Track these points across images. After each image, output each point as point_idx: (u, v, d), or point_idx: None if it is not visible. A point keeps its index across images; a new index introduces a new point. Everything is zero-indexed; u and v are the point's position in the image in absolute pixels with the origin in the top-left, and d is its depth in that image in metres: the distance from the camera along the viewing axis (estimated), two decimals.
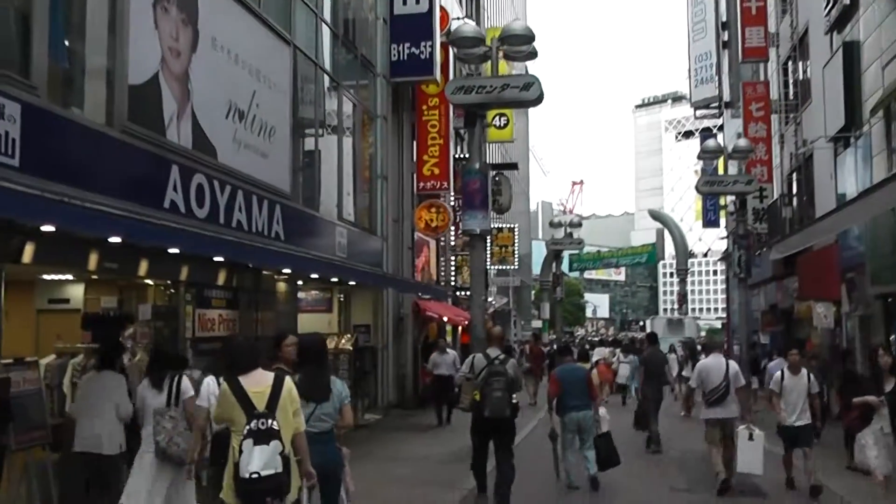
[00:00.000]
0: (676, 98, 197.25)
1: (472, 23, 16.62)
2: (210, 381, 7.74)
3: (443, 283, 27.68)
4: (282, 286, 15.90)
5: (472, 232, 14.44)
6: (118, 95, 9.57)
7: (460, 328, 29.71)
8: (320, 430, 6.64)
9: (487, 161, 16.85)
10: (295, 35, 15.28)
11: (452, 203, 26.17)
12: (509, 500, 10.03)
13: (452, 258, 28.77)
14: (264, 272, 14.57)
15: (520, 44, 13.91)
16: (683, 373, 23.84)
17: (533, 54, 14.38)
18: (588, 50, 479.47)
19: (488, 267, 32.66)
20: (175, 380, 8.21)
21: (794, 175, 25.52)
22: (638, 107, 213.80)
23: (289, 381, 5.97)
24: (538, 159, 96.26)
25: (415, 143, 23.88)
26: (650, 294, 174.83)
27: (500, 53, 14.15)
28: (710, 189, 21.44)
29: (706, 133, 45.75)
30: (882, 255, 16.85)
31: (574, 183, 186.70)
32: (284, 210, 14.14)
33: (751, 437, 11.20)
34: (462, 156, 28.01)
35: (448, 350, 19.76)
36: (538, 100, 14.19)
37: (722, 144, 21.65)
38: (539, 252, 63.34)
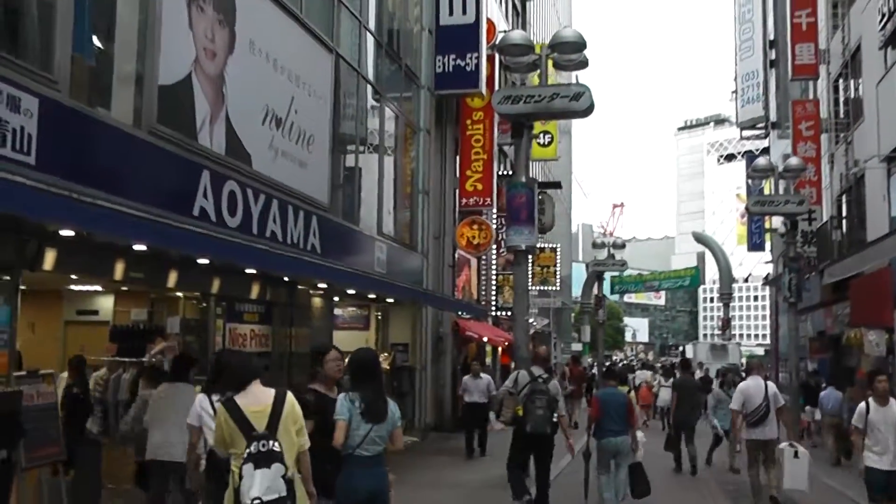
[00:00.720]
0: (719, 121, 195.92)
1: (520, 31, 16.07)
2: (202, 399, 7.28)
3: (483, 303, 27.13)
4: (317, 301, 15.45)
5: (517, 248, 13.99)
6: (147, 95, 9.14)
7: (500, 349, 29.09)
8: (373, 453, 6.24)
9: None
10: (338, 42, 14.85)
11: (495, 221, 25.61)
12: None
13: (494, 277, 28.18)
14: (299, 286, 14.13)
15: (570, 52, 13.41)
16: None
17: (583, 63, 13.82)
18: (630, 71, 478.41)
19: (530, 287, 32.04)
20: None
21: (845, 196, 24.71)
22: (680, 129, 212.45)
23: (291, 397, 5.58)
24: (579, 181, 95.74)
25: (458, 157, 23.35)
26: (690, 319, 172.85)
27: (550, 62, 13.73)
28: (760, 209, 20.68)
29: (751, 155, 44.92)
30: None
31: (615, 205, 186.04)
32: (322, 222, 13.66)
33: (796, 455, 11.28)
34: (506, 172, 27.56)
35: (482, 375, 17.40)
36: (588, 110, 13.66)
37: (773, 163, 20.85)
38: (579, 274, 62.70)
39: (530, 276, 32.91)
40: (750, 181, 29.69)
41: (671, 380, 23.41)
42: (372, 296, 17.72)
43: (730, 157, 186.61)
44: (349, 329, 18.85)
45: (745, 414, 11.90)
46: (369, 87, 17.32)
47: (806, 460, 11.34)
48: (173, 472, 8.11)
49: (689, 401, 16.45)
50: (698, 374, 32.44)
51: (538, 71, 13.98)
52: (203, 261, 10.24)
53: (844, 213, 24.76)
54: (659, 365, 40.10)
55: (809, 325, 27.17)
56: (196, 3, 9.93)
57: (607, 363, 36.79)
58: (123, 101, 9.06)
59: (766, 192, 30.85)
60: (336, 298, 16.52)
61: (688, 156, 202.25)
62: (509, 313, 28.13)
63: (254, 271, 11.90)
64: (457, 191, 23.24)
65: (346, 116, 16.01)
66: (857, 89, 23.57)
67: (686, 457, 15.83)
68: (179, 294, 11.33)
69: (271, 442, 5.23)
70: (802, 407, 19.93)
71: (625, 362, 58.49)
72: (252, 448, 5.17)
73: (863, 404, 9.63)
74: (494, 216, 25.71)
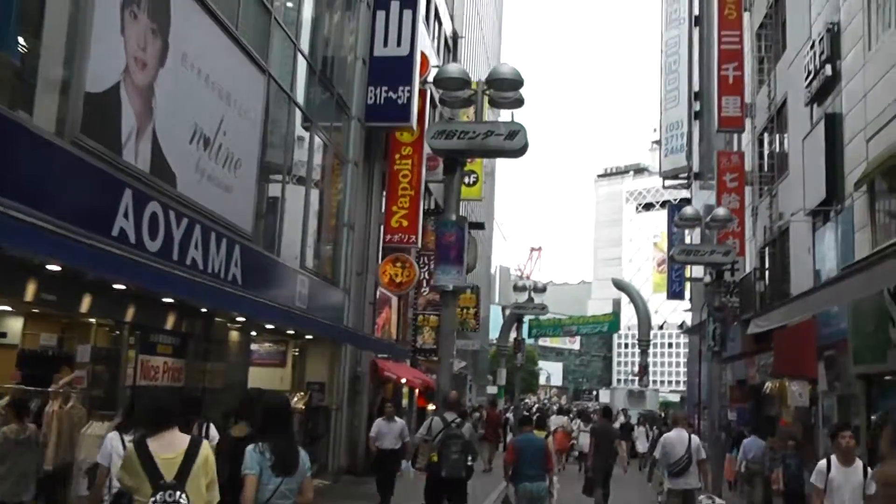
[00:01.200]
0: (638, 170, 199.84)
1: (458, 64, 15.84)
2: (113, 437, 6.70)
3: (402, 343, 26.63)
4: (234, 335, 14.80)
5: (445, 288, 13.60)
6: (72, 103, 8.48)
7: (417, 391, 28.56)
8: None
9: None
10: (271, 64, 14.35)
11: (418, 259, 25.22)
12: None
13: (414, 317, 27.72)
14: (217, 319, 13.49)
15: (507, 89, 13.17)
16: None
17: (519, 102, 13.59)
18: (552, 116, 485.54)
19: None
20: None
21: (768, 249, 25.01)
22: (600, 176, 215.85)
23: (206, 447, 5.28)
24: (498, 224, 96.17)
25: (384, 192, 22.95)
26: (604, 364, 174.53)
27: (485, 99, 13.51)
28: (685, 258, 20.67)
29: (671, 205, 45.49)
30: (865, 334, 16.21)
31: (533, 249, 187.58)
32: (244, 252, 13.04)
33: None
34: (431, 208, 27.27)
35: (396, 419, 15.66)
36: (523, 150, 13.41)
37: (699, 213, 20.95)
38: (496, 317, 62.55)
39: None
40: (675, 229, 29.91)
41: (590, 425, 23.81)
42: (291, 331, 17.12)
43: (648, 206, 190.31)
44: (265, 366, 18.18)
45: (668, 464, 12.20)
46: (299, 114, 16.82)
47: None
48: None
49: (608, 447, 16.81)
50: (621, 419, 32.78)
51: (471, 108, 13.78)
52: (119, 286, 9.61)
53: (767, 266, 25.04)
54: (575, 410, 40.18)
55: (730, 373, 27.39)
56: (130, 8, 9.32)
57: (523, 407, 36.68)
58: (47, 107, 8.39)
59: (687, 241, 31.22)
60: (254, 333, 15.88)
61: (607, 203, 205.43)
62: (428, 355, 27.71)
63: (171, 300, 11.27)
64: (382, 226, 22.79)
65: (275, 142, 15.49)
66: (781, 143, 23.93)
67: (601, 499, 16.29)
68: (92, 320, 10.65)
69: (178, 493, 4.92)
70: (734, 456, 19.91)
71: (538, 406, 58.55)
72: (158, 498, 4.87)
73: (823, 462, 8.67)
74: (417, 254, 25.31)
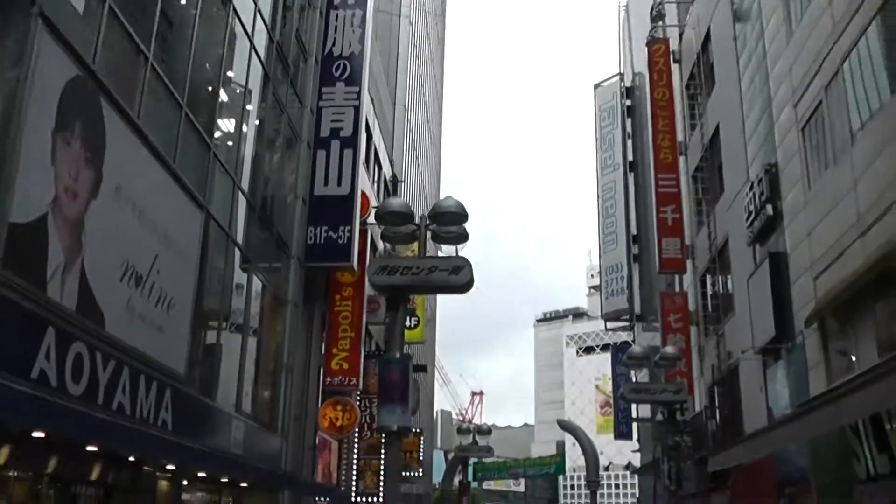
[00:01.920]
0: (577, 314, 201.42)
1: (400, 199, 15.62)
2: None
3: (343, 489, 25.49)
4: (164, 485, 13.79)
5: (389, 429, 13.03)
6: None
7: None
8: None
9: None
10: (209, 201, 13.94)
11: (359, 402, 24.42)
12: None
13: (355, 461, 26.64)
14: (145, 468, 12.57)
15: (451, 223, 13.03)
16: None
17: (464, 236, 13.42)
18: (488, 259, 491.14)
19: None
20: None
21: (717, 388, 24.79)
22: (539, 321, 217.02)
23: None
24: (439, 368, 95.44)
25: (325, 334, 22.31)
26: None
27: (429, 234, 13.28)
28: (636, 397, 20.40)
29: (615, 347, 45.49)
30: (828, 472, 15.89)
31: (474, 393, 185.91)
32: (176, 395, 12.27)
33: None
34: (372, 350, 26.68)
35: None
36: (468, 285, 13.10)
37: (647, 352, 20.79)
38: (438, 461, 61.18)
39: None
40: (623, 369, 29.71)
41: None
42: (225, 479, 16.13)
43: (589, 350, 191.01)
44: None
45: None
46: (237, 254, 16.34)
47: None
48: None
49: None
50: None
51: (413, 245, 13.54)
52: (39, 434, 8.80)
53: (718, 404, 24.81)
54: None
55: None
56: (62, 134, 8.88)
57: None
58: None
59: (634, 381, 30.93)
60: (185, 482, 14.87)
61: (547, 347, 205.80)
62: (370, 499, 26.63)
63: (94, 449, 10.42)
64: (322, 369, 22.07)
65: (212, 283, 14.94)
66: (725, 283, 24.04)
67: None
68: (11, 473, 9.72)
69: None
70: None
71: None
72: None
73: None
74: (359, 397, 24.55)
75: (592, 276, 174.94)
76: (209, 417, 14.38)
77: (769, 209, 18.80)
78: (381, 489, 25.45)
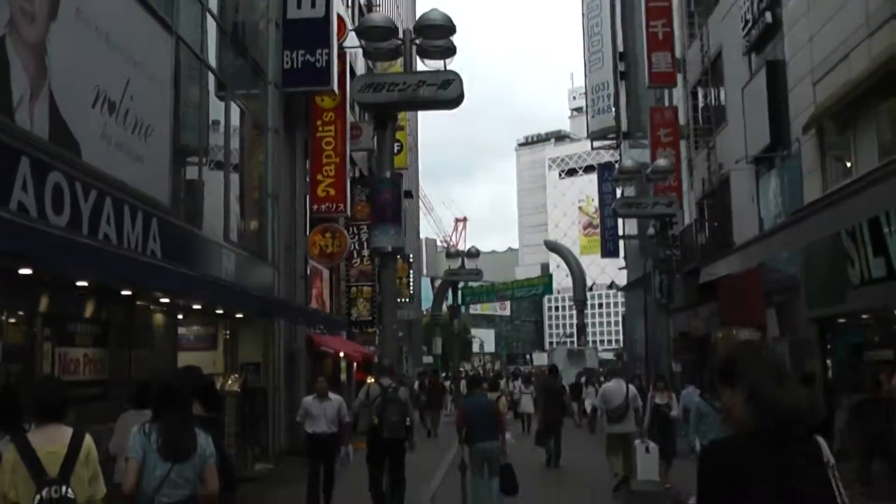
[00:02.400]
0: (559, 137, 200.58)
1: (382, 13, 14.91)
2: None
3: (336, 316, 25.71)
4: (159, 319, 13.70)
5: (384, 250, 12.95)
6: None
7: (356, 364, 27.69)
8: (176, 499, 5.14)
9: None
10: (178, 25, 13.18)
11: (347, 229, 24.24)
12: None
13: (347, 289, 26.77)
14: (139, 302, 12.38)
15: (437, 37, 12.51)
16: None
17: (451, 51, 12.89)
18: (468, 81, 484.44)
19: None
20: None
21: (706, 200, 24.74)
22: (521, 145, 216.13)
23: (89, 440, 4.98)
24: (422, 196, 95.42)
25: (308, 161, 21.86)
26: (535, 328, 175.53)
27: (414, 48, 12.78)
28: (627, 211, 20.38)
29: (601, 166, 45.34)
30: (818, 278, 15.97)
31: (457, 220, 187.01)
32: (163, 225, 11.99)
33: (647, 450, 12.69)
34: (357, 177, 26.37)
35: (331, 395, 12.01)
36: (458, 100, 12.77)
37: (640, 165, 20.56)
38: (425, 288, 61.95)
39: None
40: (611, 186, 29.65)
41: (531, 387, 26.38)
42: (220, 311, 16.06)
43: (571, 172, 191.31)
44: (195, 350, 17.05)
45: (607, 411, 13.70)
46: (213, 79, 15.66)
47: (655, 454, 12.73)
48: None
49: (556, 402, 18.38)
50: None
51: (397, 61, 13.00)
52: (26, 271, 8.48)
53: (707, 217, 24.84)
54: (512, 371, 40.81)
55: (672, 326, 27.33)
56: None
57: (459, 375, 36.29)
58: None
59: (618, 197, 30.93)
60: (180, 315, 14.76)
61: (529, 170, 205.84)
62: (364, 327, 26.96)
63: (86, 284, 10.16)
64: (308, 197, 21.75)
65: (189, 108, 14.37)
66: (717, 95, 23.68)
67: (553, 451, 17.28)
68: (3, 316, 9.47)
69: (64, 488, 4.70)
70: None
71: (473, 373, 58.43)
72: (43, 494, 4.63)
73: None
74: (347, 225, 24.36)
75: (575, 97, 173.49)
76: (199, 247, 14.19)
77: (768, 16, 18.28)
78: (373, 316, 25.68)
